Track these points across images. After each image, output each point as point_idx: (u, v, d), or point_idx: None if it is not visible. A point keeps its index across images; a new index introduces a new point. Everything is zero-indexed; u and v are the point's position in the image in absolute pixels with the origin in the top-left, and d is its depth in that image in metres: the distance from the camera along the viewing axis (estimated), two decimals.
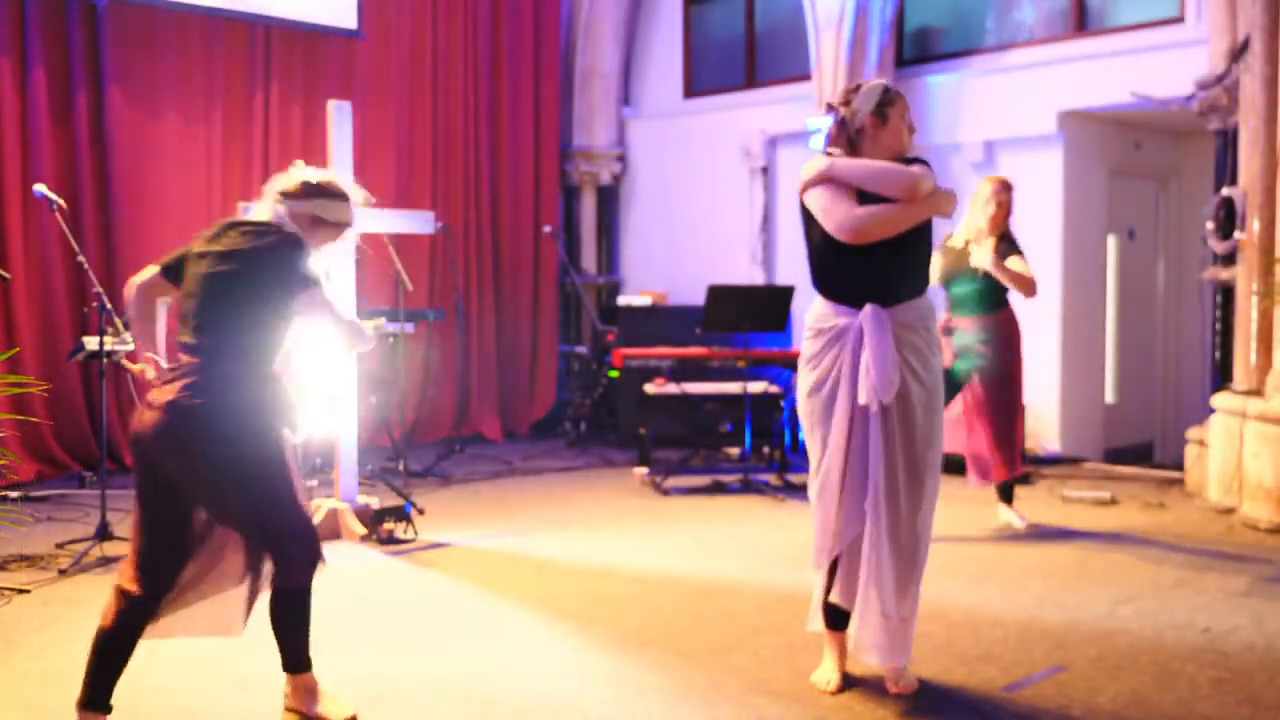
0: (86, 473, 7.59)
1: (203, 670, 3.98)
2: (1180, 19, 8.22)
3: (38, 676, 3.88)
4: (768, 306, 7.76)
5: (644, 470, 7.95)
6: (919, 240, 3.77)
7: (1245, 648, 4.28)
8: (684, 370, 8.22)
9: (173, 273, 3.50)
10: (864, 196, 3.69)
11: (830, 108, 3.88)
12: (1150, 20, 8.39)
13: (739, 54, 10.67)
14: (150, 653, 4.12)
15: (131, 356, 5.29)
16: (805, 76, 9.68)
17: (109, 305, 5.74)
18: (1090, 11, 8.81)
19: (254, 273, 3.39)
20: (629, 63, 11.25)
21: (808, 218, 3.80)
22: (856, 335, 3.68)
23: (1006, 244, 6.14)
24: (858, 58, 9.17)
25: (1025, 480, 7.49)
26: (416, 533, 6.08)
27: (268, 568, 3.49)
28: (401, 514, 6.05)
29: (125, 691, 3.74)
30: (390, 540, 5.95)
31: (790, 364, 8.33)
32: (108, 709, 3.33)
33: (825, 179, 3.71)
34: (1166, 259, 9.91)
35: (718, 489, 7.57)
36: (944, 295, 6.32)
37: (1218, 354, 7.49)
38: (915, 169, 3.67)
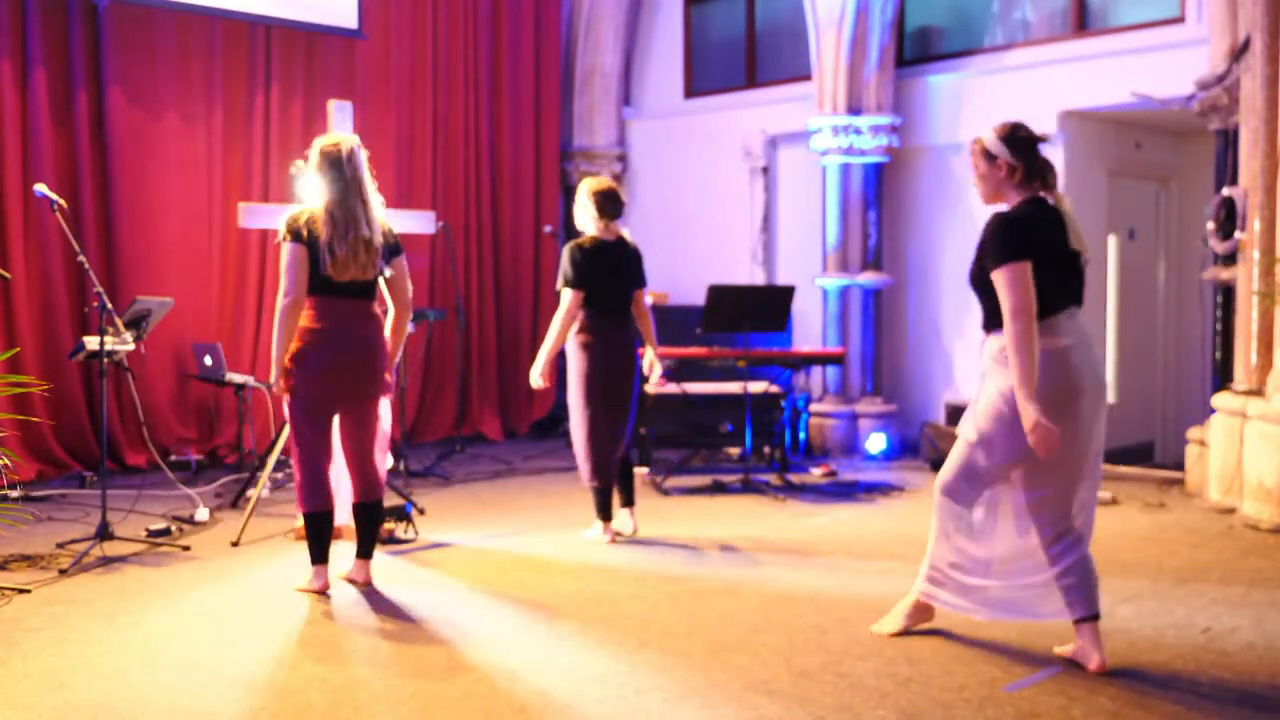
0: (87, 473, 7.60)
1: (203, 670, 3.98)
2: (1180, 19, 8.22)
3: (38, 676, 3.87)
4: (768, 306, 7.75)
5: (644, 470, 7.95)
6: None
7: (1245, 648, 4.28)
8: (684, 370, 8.21)
9: None
10: None
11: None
12: (1150, 20, 8.39)
13: (739, 54, 10.67)
14: (149, 651, 4.13)
15: None
16: (806, 76, 9.68)
17: (109, 305, 5.73)
18: (1090, 11, 8.81)
19: None
20: (629, 63, 11.25)
21: None
22: None
23: None
24: (858, 58, 9.18)
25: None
26: (417, 533, 6.08)
27: None
28: (402, 514, 6.05)
29: (124, 690, 3.75)
30: (391, 540, 5.94)
31: (790, 364, 8.33)
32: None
33: None
34: (1167, 259, 9.90)
35: (718, 489, 7.57)
36: None
37: (1218, 354, 7.49)
38: None
